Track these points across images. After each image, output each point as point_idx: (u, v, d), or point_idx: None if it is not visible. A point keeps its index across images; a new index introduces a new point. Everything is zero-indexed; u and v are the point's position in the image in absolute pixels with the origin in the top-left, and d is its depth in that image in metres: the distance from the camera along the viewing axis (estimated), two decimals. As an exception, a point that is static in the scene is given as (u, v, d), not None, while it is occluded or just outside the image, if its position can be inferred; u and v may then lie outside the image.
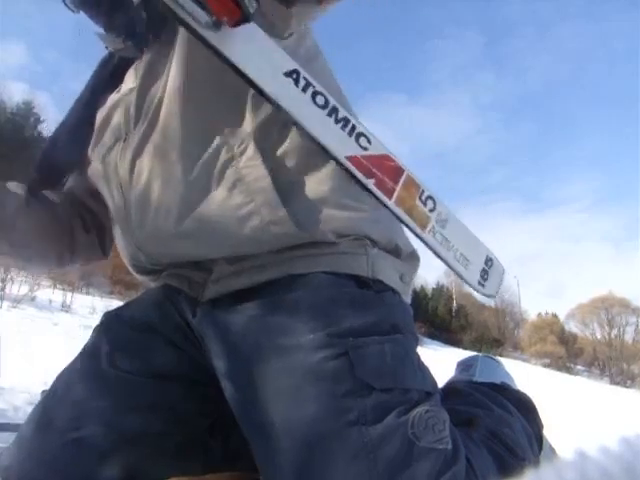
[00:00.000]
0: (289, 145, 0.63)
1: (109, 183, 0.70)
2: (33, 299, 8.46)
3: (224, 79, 0.60)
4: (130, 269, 0.78)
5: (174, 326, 0.69)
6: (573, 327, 30.41)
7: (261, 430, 0.57)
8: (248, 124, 0.63)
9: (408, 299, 0.71)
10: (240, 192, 0.60)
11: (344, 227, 0.63)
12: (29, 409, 0.71)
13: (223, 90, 0.63)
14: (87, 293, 11.55)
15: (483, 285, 0.70)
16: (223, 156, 0.62)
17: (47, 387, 0.71)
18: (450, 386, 0.84)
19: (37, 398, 0.71)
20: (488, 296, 0.72)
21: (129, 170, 0.66)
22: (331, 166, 0.63)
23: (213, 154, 0.62)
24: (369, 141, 0.61)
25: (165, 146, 0.64)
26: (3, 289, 8.13)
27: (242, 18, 0.54)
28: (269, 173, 0.60)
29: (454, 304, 29.44)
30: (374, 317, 0.60)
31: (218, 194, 0.61)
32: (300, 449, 0.53)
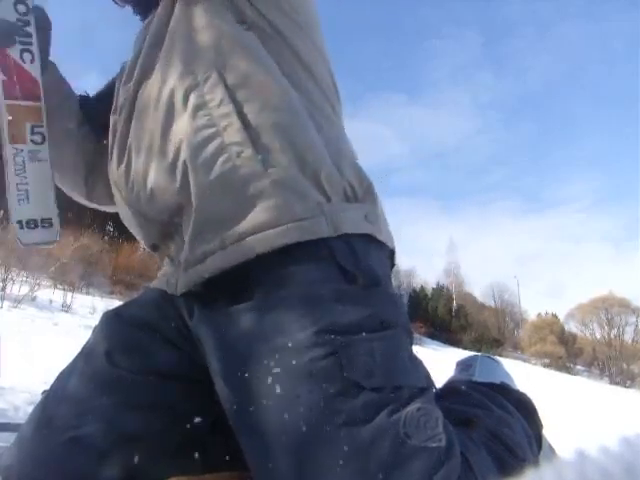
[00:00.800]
0: (251, 79, 0.66)
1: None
2: (33, 299, 8.47)
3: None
4: (142, 243, 0.81)
5: (173, 326, 0.70)
6: (573, 327, 30.46)
7: (253, 432, 0.57)
8: (211, 55, 0.67)
9: (385, 236, 0.69)
10: (204, 115, 0.63)
11: (303, 163, 0.63)
12: (29, 409, 0.71)
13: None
14: (87, 293, 11.55)
15: (22, 228, 0.79)
16: (186, 82, 0.66)
17: (47, 387, 0.71)
18: (449, 386, 0.84)
19: (37, 398, 0.71)
20: (19, 240, 0.80)
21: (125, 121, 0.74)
22: (284, 105, 0.66)
23: (178, 83, 0.66)
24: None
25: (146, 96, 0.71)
26: (3, 289, 8.13)
27: None
28: (231, 101, 0.63)
29: (454, 304, 29.45)
30: (362, 313, 0.59)
31: (183, 119, 0.65)
32: (291, 452, 0.53)
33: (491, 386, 0.82)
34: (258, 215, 0.61)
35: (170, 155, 0.65)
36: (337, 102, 0.79)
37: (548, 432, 0.81)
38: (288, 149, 0.63)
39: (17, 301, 7.75)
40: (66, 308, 8.69)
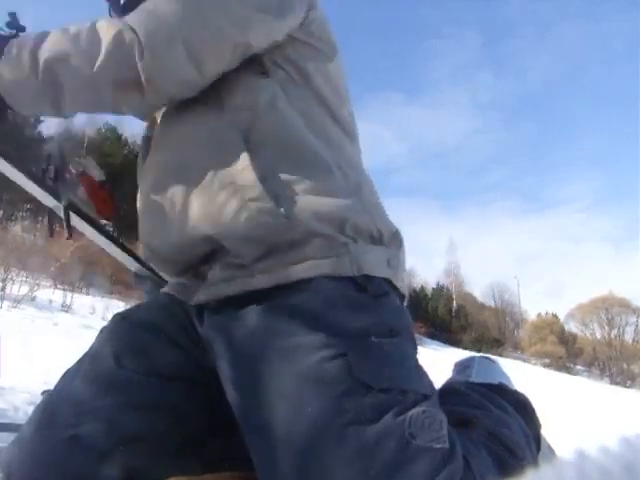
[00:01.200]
0: (265, 136, 0.67)
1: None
2: (33, 299, 8.47)
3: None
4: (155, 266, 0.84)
5: (180, 328, 0.70)
6: (573, 327, 30.48)
7: (261, 431, 0.57)
8: (234, 114, 0.69)
9: (401, 283, 0.71)
10: (225, 176, 0.65)
11: (328, 213, 0.64)
12: (29, 409, 0.71)
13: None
14: (87, 293, 11.56)
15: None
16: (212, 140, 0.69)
17: (47, 387, 0.71)
18: (447, 387, 0.84)
19: (37, 398, 0.71)
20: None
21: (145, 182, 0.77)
22: (307, 158, 0.67)
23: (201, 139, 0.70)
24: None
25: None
26: (3, 289, 8.14)
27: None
28: (254, 170, 0.64)
29: (454, 304, 29.47)
30: (372, 320, 0.61)
31: (206, 177, 0.67)
32: (299, 449, 0.54)
33: (489, 387, 0.82)
34: (286, 256, 0.64)
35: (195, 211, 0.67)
36: (357, 139, 0.82)
37: (548, 432, 0.82)
38: (311, 200, 0.64)
39: (17, 301, 7.75)
40: (66, 308, 8.70)
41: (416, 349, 0.66)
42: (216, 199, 0.64)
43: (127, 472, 0.62)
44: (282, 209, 0.62)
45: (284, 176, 0.65)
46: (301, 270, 0.62)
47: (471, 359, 0.92)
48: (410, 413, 0.55)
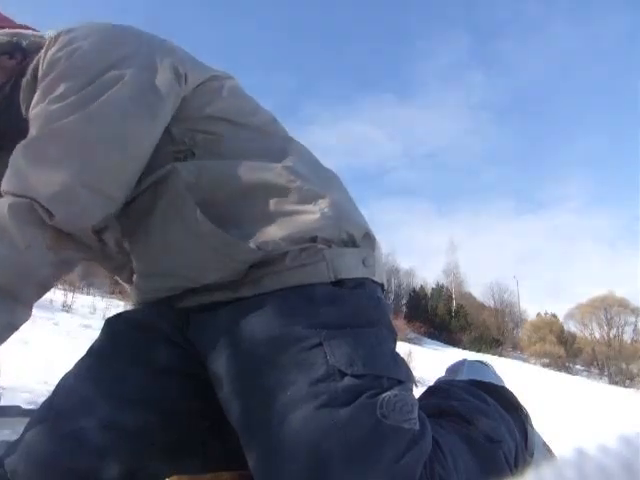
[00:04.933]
0: (218, 179, 0.69)
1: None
2: (33, 299, 8.43)
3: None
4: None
5: (174, 327, 0.71)
6: (572, 327, 30.45)
7: (248, 426, 0.60)
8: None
9: (381, 278, 0.74)
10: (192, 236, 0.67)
11: (295, 233, 0.66)
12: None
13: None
14: (88, 293, 11.55)
15: None
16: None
17: (47, 387, 0.71)
18: (430, 387, 0.86)
19: (37, 398, 0.72)
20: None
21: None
22: (264, 183, 0.69)
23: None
24: None
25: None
26: (3, 289, 8.10)
27: None
28: (201, 211, 0.66)
29: (454, 304, 29.45)
30: (348, 311, 0.64)
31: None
32: (277, 432, 0.56)
33: (471, 382, 0.83)
34: (265, 269, 0.66)
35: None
36: (292, 139, 0.81)
37: (548, 431, 0.82)
38: (277, 227, 0.67)
39: (17, 301, 7.72)
40: (66, 308, 8.69)
41: (394, 338, 0.69)
42: (200, 260, 0.67)
43: (126, 470, 0.62)
44: (254, 245, 0.65)
45: (245, 214, 0.68)
46: (281, 280, 0.65)
47: (461, 362, 0.93)
48: (382, 395, 0.57)
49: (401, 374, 0.63)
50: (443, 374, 0.94)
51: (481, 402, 0.76)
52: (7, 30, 0.81)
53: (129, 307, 0.86)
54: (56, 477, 0.61)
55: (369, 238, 0.74)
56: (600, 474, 0.16)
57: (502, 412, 0.76)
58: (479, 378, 0.86)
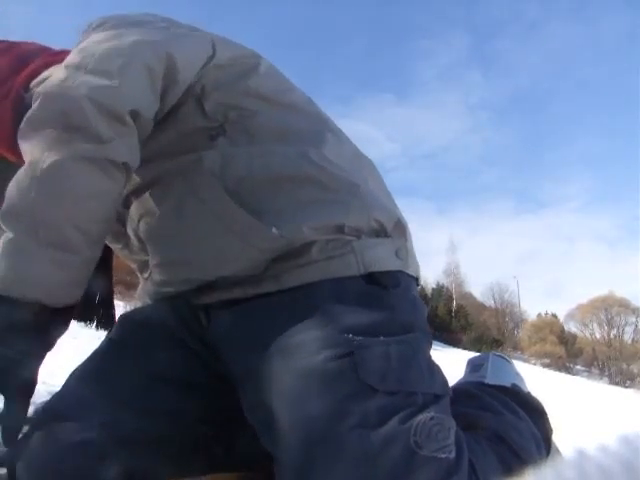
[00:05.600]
0: (244, 170, 0.65)
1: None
2: (33, 299, 8.42)
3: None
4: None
5: (188, 329, 0.70)
6: (573, 327, 30.44)
7: (270, 428, 0.57)
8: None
9: (416, 271, 0.70)
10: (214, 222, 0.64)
11: (320, 221, 0.62)
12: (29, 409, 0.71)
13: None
14: (87, 293, 11.53)
15: None
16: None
17: (47, 387, 0.71)
18: (460, 388, 0.83)
19: (37, 398, 0.71)
20: None
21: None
22: (291, 173, 0.65)
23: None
24: None
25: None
26: (3, 289, 8.09)
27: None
28: (231, 198, 0.63)
29: (454, 304, 29.43)
30: (382, 316, 0.59)
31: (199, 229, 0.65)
32: (302, 449, 0.53)
33: (502, 389, 0.81)
34: (290, 262, 0.62)
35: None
36: (333, 128, 0.77)
37: (548, 431, 0.81)
38: (304, 214, 0.63)
39: (17, 301, 7.71)
40: (66, 308, 8.67)
41: (430, 340, 0.65)
42: (218, 247, 0.64)
43: (128, 473, 0.62)
44: (277, 231, 0.61)
45: (271, 202, 0.64)
46: (306, 274, 0.61)
47: (485, 357, 0.90)
48: (417, 419, 0.53)
49: (437, 387, 0.59)
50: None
51: (514, 416, 0.73)
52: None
53: (129, 307, 0.85)
54: (57, 479, 0.61)
55: (401, 226, 0.70)
56: (600, 474, 0.16)
57: (531, 426, 0.74)
58: (503, 377, 0.84)
